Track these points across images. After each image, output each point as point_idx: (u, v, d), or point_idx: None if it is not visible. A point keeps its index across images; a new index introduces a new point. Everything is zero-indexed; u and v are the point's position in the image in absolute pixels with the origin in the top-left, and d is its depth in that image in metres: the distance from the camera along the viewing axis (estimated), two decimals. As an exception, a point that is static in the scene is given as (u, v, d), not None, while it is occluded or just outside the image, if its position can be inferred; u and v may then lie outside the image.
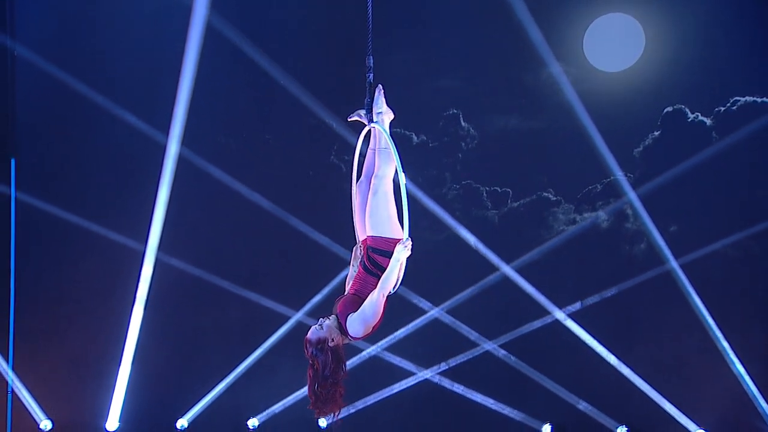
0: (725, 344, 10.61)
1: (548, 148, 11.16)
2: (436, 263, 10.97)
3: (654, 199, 10.89)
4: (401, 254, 5.80)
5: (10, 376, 10.98)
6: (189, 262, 11.16)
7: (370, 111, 6.34)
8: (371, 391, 11.07)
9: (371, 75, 6.35)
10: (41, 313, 11.19)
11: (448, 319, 11.04)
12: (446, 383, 11.09)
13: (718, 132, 10.86)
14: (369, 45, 6.44)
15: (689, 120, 10.96)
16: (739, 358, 10.59)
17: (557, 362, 10.95)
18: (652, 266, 10.86)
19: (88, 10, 11.24)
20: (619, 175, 10.99)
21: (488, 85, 11.24)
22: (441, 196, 11.23)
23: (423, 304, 11.03)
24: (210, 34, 10.75)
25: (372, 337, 6.48)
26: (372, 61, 6.36)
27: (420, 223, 11.05)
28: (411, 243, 5.83)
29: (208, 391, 11.13)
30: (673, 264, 10.75)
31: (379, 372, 11.07)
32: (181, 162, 10.96)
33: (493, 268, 11.03)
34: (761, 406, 10.53)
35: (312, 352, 5.81)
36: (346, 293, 6.02)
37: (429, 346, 11.08)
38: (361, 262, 6.02)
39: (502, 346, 11.01)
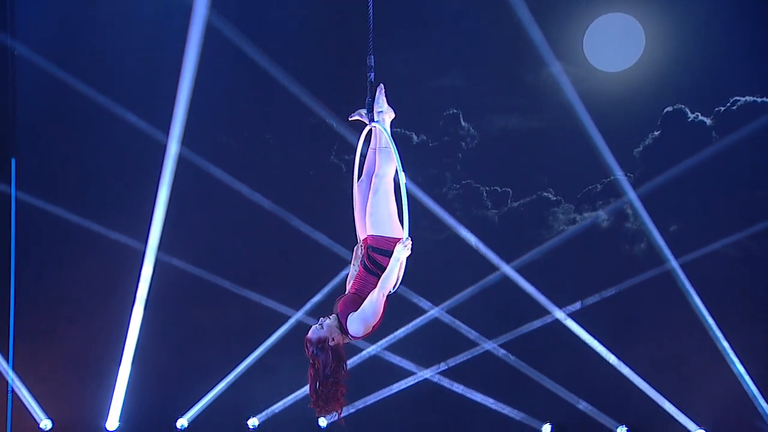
0: (725, 344, 10.62)
1: (548, 147, 11.17)
2: (436, 263, 10.97)
3: (654, 199, 10.90)
4: (401, 254, 5.80)
5: (11, 376, 10.98)
6: (189, 262, 11.17)
7: (371, 110, 6.34)
8: (371, 391, 11.08)
9: (372, 74, 6.35)
10: (41, 312, 11.19)
11: (448, 319, 11.04)
12: (446, 383, 11.09)
13: (718, 132, 10.87)
14: (370, 44, 6.44)
15: (689, 120, 10.96)
16: (738, 358, 10.59)
17: (557, 362, 10.95)
18: (652, 266, 10.87)
19: (89, 10, 11.25)
20: (619, 174, 10.99)
21: (488, 85, 11.24)
22: (441, 196, 11.23)
23: (423, 303, 11.04)
24: (210, 33, 10.76)
25: (372, 337, 6.49)
26: (373, 60, 6.37)
27: (420, 223, 11.05)
28: (411, 242, 5.83)
29: (209, 391, 11.13)
30: (673, 264, 10.75)
31: (379, 371, 11.08)
32: (182, 162, 10.96)
33: (493, 268, 11.03)
34: (761, 405, 10.53)
35: (312, 352, 5.82)
36: (346, 292, 6.03)
37: (429, 345, 11.08)
38: (361, 261, 6.02)
39: (502, 346, 11.02)
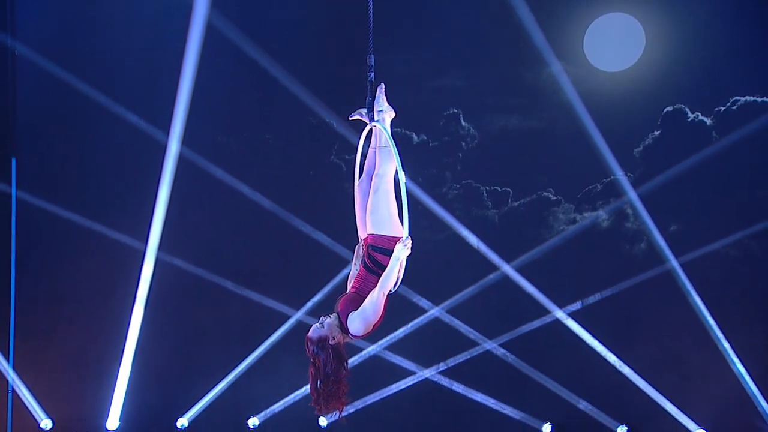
0: (725, 343, 10.62)
1: (548, 147, 11.17)
2: (436, 263, 10.98)
3: (654, 199, 10.90)
4: (401, 253, 5.81)
5: (11, 375, 10.98)
6: (189, 262, 11.18)
7: (371, 110, 6.35)
8: (371, 391, 11.08)
9: (372, 74, 6.36)
10: (42, 312, 11.20)
11: (448, 319, 11.04)
12: (446, 382, 11.10)
13: (718, 132, 10.87)
14: (370, 44, 6.45)
15: (689, 120, 10.97)
16: (739, 358, 10.59)
17: (557, 362, 10.95)
18: (652, 266, 10.87)
19: (89, 10, 11.25)
20: (620, 174, 10.99)
21: (488, 85, 11.25)
22: (441, 196, 11.24)
23: (423, 303, 11.04)
24: (210, 33, 10.76)
25: (372, 336, 6.49)
26: (373, 59, 6.37)
27: (420, 223, 11.05)
28: (411, 242, 5.84)
29: (209, 390, 11.13)
30: (674, 263, 10.75)
31: (379, 371, 11.08)
32: (182, 161, 10.97)
33: (494, 268, 11.03)
34: (761, 405, 10.53)
35: (313, 351, 5.83)
36: (347, 291, 6.04)
37: (429, 345, 11.09)
38: (362, 260, 6.03)
39: (502, 346, 11.02)
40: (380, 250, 5.95)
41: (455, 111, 11.31)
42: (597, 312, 10.93)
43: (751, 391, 10.55)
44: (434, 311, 11.06)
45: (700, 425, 10.65)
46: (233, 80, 11.33)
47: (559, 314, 10.94)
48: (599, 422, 10.87)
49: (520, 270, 11.01)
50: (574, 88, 10.88)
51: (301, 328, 10.81)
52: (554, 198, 11.20)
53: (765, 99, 10.77)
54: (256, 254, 11.32)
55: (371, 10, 6.59)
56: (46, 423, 11.02)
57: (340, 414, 5.94)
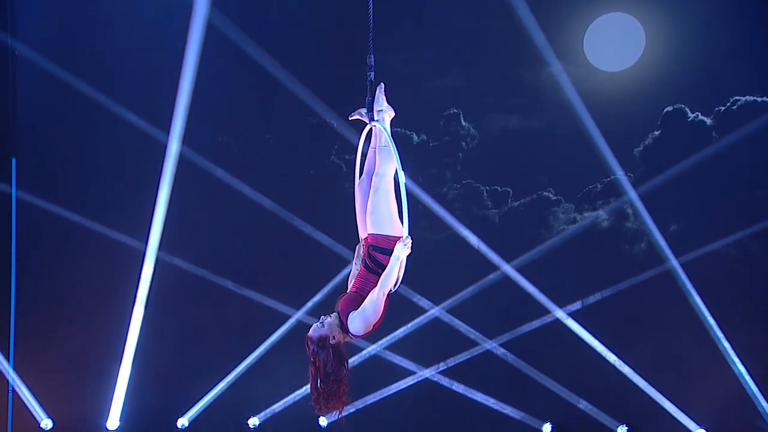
0: (725, 343, 10.61)
1: (548, 147, 11.17)
2: (436, 262, 10.98)
3: (654, 199, 10.90)
4: (401, 252, 5.81)
5: (11, 375, 10.99)
6: (190, 261, 11.18)
7: (371, 109, 6.35)
8: (371, 391, 11.08)
9: (372, 73, 6.36)
10: (42, 312, 11.20)
11: (448, 318, 11.04)
12: (447, 382, 11.10)
13: (718, 131, 10.87)
14: (370, 44, 6.45)
15: (689, 119, 10.97)
16: (739, 358, 10.59)
17: (558, 361, 10.95)
18: (653, 265, 10.87)
19: (89, 10, 11.26)
20: (620, 174, 11.00)
21: (489, 85, 11.25)
22: (441, 196, 11.24)
23: (423, 303, 11.04)
24: (211, 33, 10.76)
25: (372, 336, 6.50)
26: (373, 59, 6.38)
27: (420, 223, 11.06)
28: (411, 241, 5.85)
29: (209, 390, 11.14)
30: (674, 263, 10.75)
31: (379, 371, 11.08)
32: (182, 161, 10.97)
33: (494, 268, 11.03)
34: (761, 405, 10.54)
35: (313, 350, 5.84)
36: (348, 291, 6.04)
37: (429, 345, 11.09)
38: (362, 260, 6.04)
39: (502, 345, 11.02)
40: (381, 249, 5.96)
41: (455, 111, 11.31)
42: (597, 312, 10.93)
43: (751, 390, 10.55)
44: (434, 311, 11.06)
45: (700, 425, 10.65)
46: (233, 80, 11.34)
47: (560, 314, 10.94)
48: (599, 422, 10.87)
49: (520, 270, 11.01)
50: (574, 88, 10.89)
51: (302, 328, 10.81)
52: (554, 198, 11.20)
53: (765, 99, 10.77)
54: (257, 254, 11.33)
55: (371, 10, 6.59)
56: (46, 423, 11.03)
57: (340, 414, 5.95)
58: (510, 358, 11.01)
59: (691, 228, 10.86)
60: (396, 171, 6.06)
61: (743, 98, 10.83)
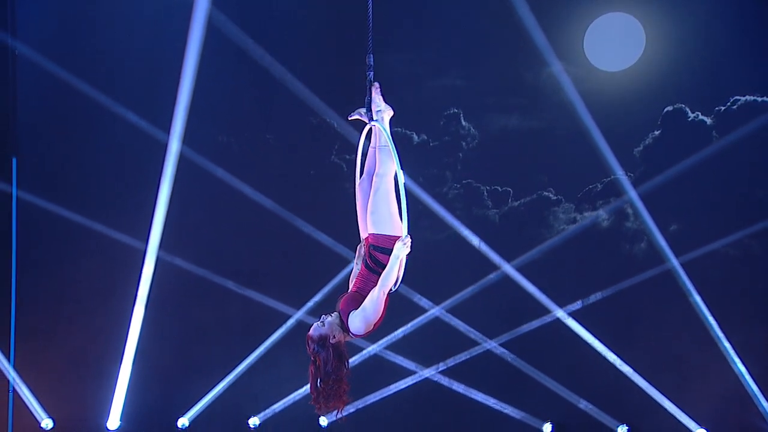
0: (725, 343, 10.62)
1: (549, 147, 11.18)
2: (436, 262, 10.98)
3: (654, 198, 10.90)
4: (401, 251, 5.82)
5: (12, 375, 10.99)
6: (190, 261, 11.18)
7: (370, 109, 6.36)
8: (372, 390, 11.09)
9: (371, 73, 6.36)
10: (42, 311, 11.20)
11: (448, 318, 11.05)
12: (447, 382, 11.10)
13: (718, 131, 10.87)
14: (369, 43, 6.46)
15: (689, 119, 10.97)
16: (739, 357, 10.59)
17: (558, 361, 10.95)
18: (653, 265, 10.87)
19: (89, 9, 11.26)
20: (620, 174, 11.00)
21: (489, 85, 11.25)
22: (442, 196, 11.24)
23: (423, 302, 11.04)
24: (211, 32, 10.77)
25: (373, 336, 6.50)
26: (372, 59, 6.38)
27: (421, 223, 11.06)
28: (410, 240, 5.85)
29: (210, 390, 11.14)
30: (674, 263, 10.76)
31: (379, 371, 11.08)
32: (182, 161, 10.97)
33: (494, 267, 11.04)
34: (761, 404, 10.54)
35: (314, 349, 5.84)
36: (349, 290, 6.05)
37: (430, 344, 11.09)
38: (363, 259, 6.04)
39: (502, 345, 11.02)
40: (381, 249, 5.97)
41: (455, 111, 11.31)
42: (597, 311, 10.94)
43: (752, 390, 10.55)
44: (435, 311, 11.06)
45: (700, 424, 10.65)
46: (234, 80, 11.34)
47: (560, 314, 10.94)
48: (600, 422, 10.87)
49: (520, 269, 11.01)
50: (575, 88, 10.89)
51: (302, 327, 10.81)
52: (554, 198, 11.21)
53: (765, 99, 10.77)
54: (257, 254, 11.33)
55: (371, 10, 6.59)
56: (46, 423, 11.03)
57: (340, 413, 5.95)
58: (510, 357, 11.02)
59: (691, 228, 10.86)
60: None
61: (743, 98, 10.83)
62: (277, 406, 11.13)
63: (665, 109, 11.01)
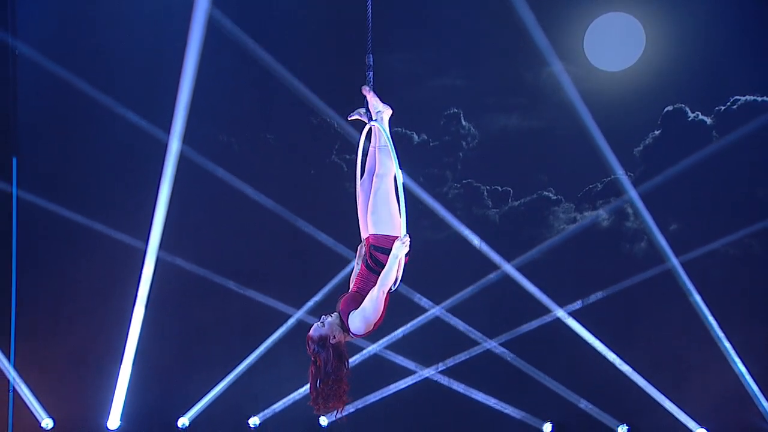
0: (726, 343, 10.62)
1: (549, 147, 11.18)
2: (437, 262, 10.98)
3: (654, 198, 10.90)
4: (399, 250, 5.82)
5: (12, 375, 10.99)
6: (190, 261, 11.18)
7: (369, 109, 6.37)
8: (372, 390, 11.09)
9: (371, 73, 6.37)
10: (42, 311, 11.21)
11: (448, 318, 11.05)
12: (447, 382, 11.10)
13: (718, 131, 10.87)
14: (369, 43, 6.46)
15: (689, 119, 10.97)
16: (739, 357, 10.59)
17: (558, 361, 10.96)
18: (653, 265, 10.87)
19: (89, 9, 11.27)
20: (620, 173, 11.00)
21: (489, 84, 11.26)
22: (442, 195, 11.25)
23: (424, 302, 11.05)
24: (211, 32, 10.77)
25: (373, 335, 6.51)
26: (372, 59, 6.38)
27: (421, 222, 11.06)
28: (409, 239, 5.86)
29: (210, 390, 11.14)
30: (674, 262, 10.76)
31: (379, 370, 11.08)
32: (183, 160, 10.97)
33: (494, 267, 11.04)
34: (761, 404, 10.54)
35: (314, 349, 5.85)
36: (349, 290, 6.05)
37: (430, 344, 11.09)
38: (363, 259, 6.05)
39: (502, 345, 11.02)
40: (382, 249, 5.97)
41: (455, 110, 11.32)
42: (597, 311, 10.94)
43: (752, 390, 10.55)
44: (435, 310, 11.06)
45: (700, 424, 10.65)
46: (234, 79, 11.34)
47: (560, 313, 10.94)
48: (600, 421, 10.87)
49: (520, 269, 11.01)
50: (575, 88, 10.89)
51: (302, 327, 10.81)
52: (555, 197, 11.21)
53: (765, 98, 10.77)
54: (257, 253, 11.33)
55: (371, 10, 6.60)
56: (47, 422, 11.03)
57: (340, 413, 5.95)
58: (510, 357, 11.02)
59: (692, 227, 10.86)
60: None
61: (743, 98, 10.84)
62: (277, 406, 11.13)
63: (665, 109, 11.01)
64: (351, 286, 6.09)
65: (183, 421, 11.15)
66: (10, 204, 11.12)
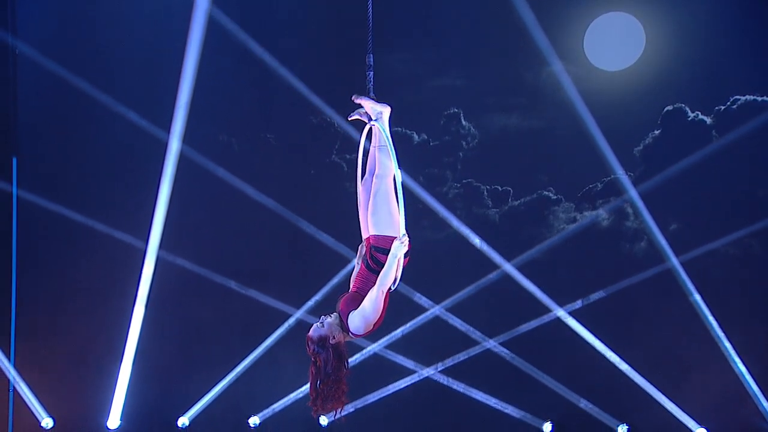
0: (726, 342, 10.62)
1: (549, 146, 11.18)
2: (437, 261, 10.98)
3: (654, 198, 10.90)
4: (398, 250, 5.82)
5: (12, 374, 10.99)
6: (190, 260, 11.18)
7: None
8: (372, 390, 11.09)
9: (371, 73, 6.37)
10: (43, 311, 11.21)
11: (448, 317, 11.05)
12: (447, 381, 11.10)
13: (718, 131, 10.88)
14: (369, 43, 6.46)
15: (689, 119, 10.97)
16: (739, 357, 10.59)
17: (558, 360, 10.96)
18: (653, 264, 10.87)
19: (89, 9, 11.27)
20: (620, 173, 11.00)
21: (489, 84, 11.26)
22: (442, 195, 11.25)
23: (424, 301, 11.05)
24: (211, 32, 10.77)
25: (373, 335, 6.51)
26: (372, 59, 6.38)
27: (421, 222, 11.07)
28: (408, 239, 5.86)
29: (210, 389, 11.14)
30: (674, 262, 10.76)
31: (379, 370, 11.08)
32: (183, 160, 10.97)
33: (494, 266, 11.04)
34: (761, 404, 10.54)
35: (314, 350, 5.85)
36: (349, 290, 6.05)
37: (430, 344, 11.09)
38: (363, 259, 6.05)
39: (502, 344, 11.02)
40: (382, 250, 5.97)
41: (456, 110, 11.32)
42: (597, 311, 10.94)
43: (752, 389, 10.56)
44: (435, 310, 11.06)
45: (700, 424, 10.65)
46: (234, 79, 11.34)
47: (560, 313, 10.94)
48: (600, 421, 10.87)
49: (520, 269, 11.01)
50: (575, 88, 10.89)
51: (302, 327, 10.82)
52: (554, 197, 11.21)
53: (765, 98, 10.78)
54: (257, 253, 11.33)
55: (371, 9, 6.60)
56: (47, 422, 11.03)
57: (339, 413, 5.95)
58: (510, 357, 11.02)
59: (692, 227, 10.87)
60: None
61: (743, 98, 10.84)
62: (277, 406, 11.14)
63: (665, 109, 11.01)
64: (351, 286, 6.10)
65: (183, 421, 11.16)
66: (10, 204, 11.12)
